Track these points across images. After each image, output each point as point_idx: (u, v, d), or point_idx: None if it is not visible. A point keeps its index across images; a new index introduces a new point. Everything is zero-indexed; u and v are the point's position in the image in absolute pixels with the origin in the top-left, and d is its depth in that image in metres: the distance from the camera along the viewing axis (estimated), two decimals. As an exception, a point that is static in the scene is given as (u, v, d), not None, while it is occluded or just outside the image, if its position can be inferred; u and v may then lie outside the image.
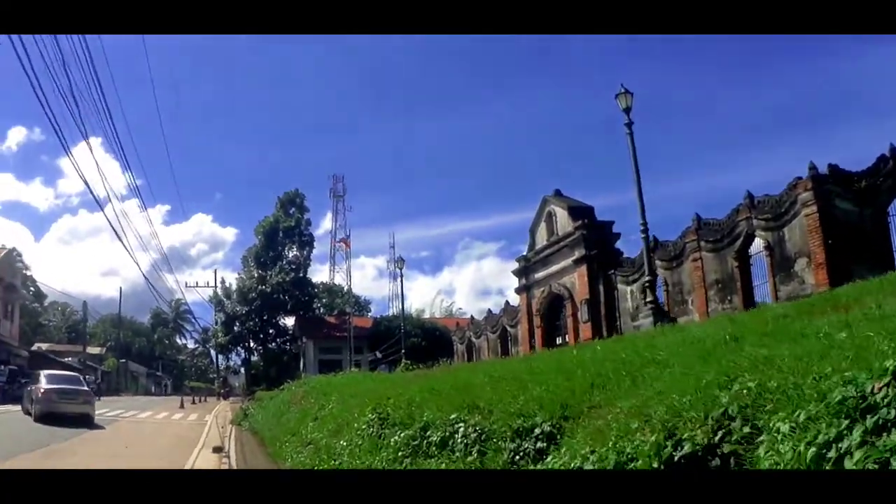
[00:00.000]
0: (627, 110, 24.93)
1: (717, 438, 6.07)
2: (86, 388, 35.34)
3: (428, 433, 11.13)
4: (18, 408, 34.47)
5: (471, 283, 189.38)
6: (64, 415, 30.01)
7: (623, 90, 24.85)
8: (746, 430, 5.86)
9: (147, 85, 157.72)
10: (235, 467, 18.62)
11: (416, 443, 11.23)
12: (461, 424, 10.51)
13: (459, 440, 10.33)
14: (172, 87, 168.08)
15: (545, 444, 8.97)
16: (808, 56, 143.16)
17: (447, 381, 14.89)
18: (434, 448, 10.71)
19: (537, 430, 9.26)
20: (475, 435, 10.13)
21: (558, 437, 8.97)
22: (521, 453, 9.19)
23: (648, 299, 24.49)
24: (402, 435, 11.63)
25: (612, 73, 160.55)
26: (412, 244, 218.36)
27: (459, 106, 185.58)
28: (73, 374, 38.90)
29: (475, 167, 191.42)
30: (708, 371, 7.97)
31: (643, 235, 24.55)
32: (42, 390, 31.04)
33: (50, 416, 29.46)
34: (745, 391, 6.35)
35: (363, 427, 13.59)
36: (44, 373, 34.84)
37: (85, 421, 30.87)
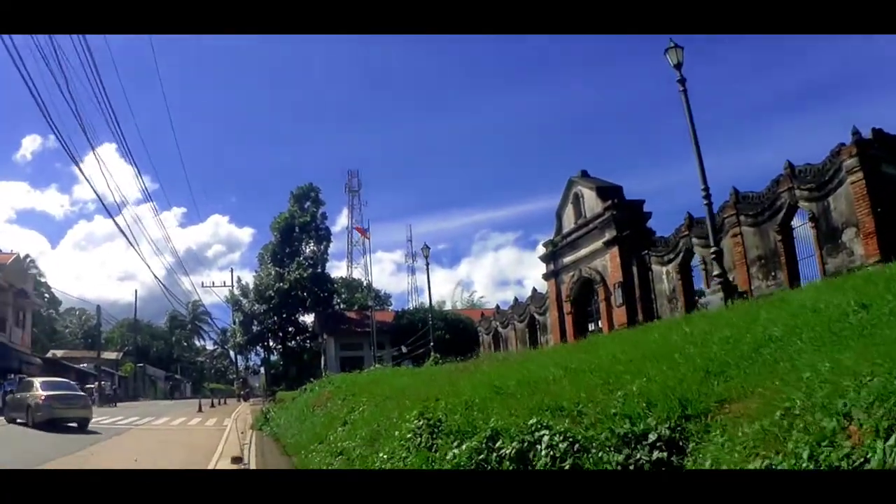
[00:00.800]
0: (678, 66, 22.51)
1: None
2: (82, 392, 36.86)
3: (498, 444, 8.45)
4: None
5: (489, 274, 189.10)
6: (65, 419, 31.33)
7: (672, 44, 22.37)
8: None
9: (159, 89, 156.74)
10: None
11: (481, 457, 8.43)
12: (544, 432, 7.92)
13: (544, 452, 7.72)
14: (184, 89, 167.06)
15: (665, 454, 6.89)
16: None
17: (509, 377, 12.29)
18: (508, 463, 8.08)
19: (652, 436, 7.10)
20: (565, 445, 7.59)
21: (682, 442, 6.99)
22: (633, 466, 7.00)
23: (716, 272, 22.07)
24: (463, 447, 8.98)
25: (635, 55, 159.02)
26: (429, 237, 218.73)
27: (471, 98, 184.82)
28: (65, 380, 38.58)
29: (489, 158, 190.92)
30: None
31: (706, 202, 22.02)
32: (42, 397, 31.39)
33: (51, 423, 30.13)
34: None
35: (407, 436, 10.97)
36: (38, 380, 35.40)
37: (82, 425, 31.98)
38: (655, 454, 6.90)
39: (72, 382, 38.49)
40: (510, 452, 8.12)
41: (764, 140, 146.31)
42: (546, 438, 7.84)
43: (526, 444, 8.04)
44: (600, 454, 7.30)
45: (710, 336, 10.31)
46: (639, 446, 7.09)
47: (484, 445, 8.61)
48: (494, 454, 8.38)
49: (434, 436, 10.29)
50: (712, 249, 22.34)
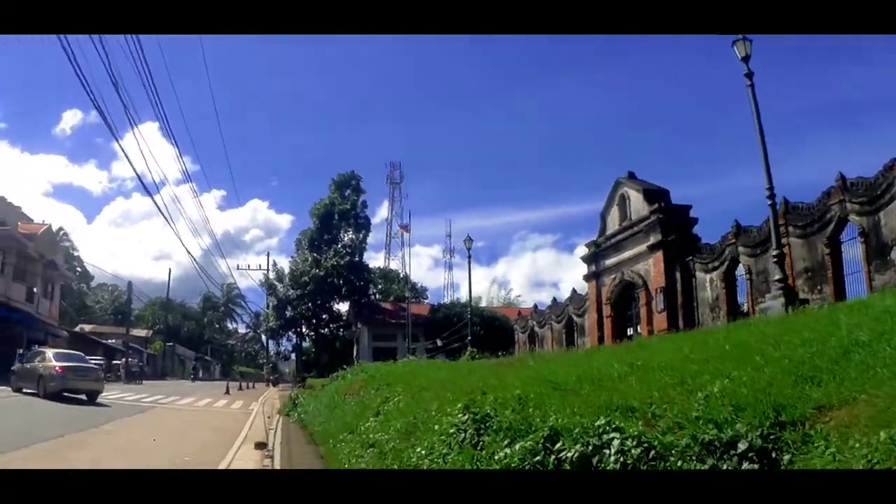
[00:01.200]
0: (746, 59, 21.51)
1: None
2: (95, 366, 37.26)
3: (558, 445, 7.44)
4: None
5: (526, 274, 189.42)
6: (77, 391, 32.20)
7: (741, 36, 21.33)
8: None
9: (204, 72, 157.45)
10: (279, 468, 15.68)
11: (537, 458, 7.42)
12: (614, 435, 6.91)
13: (612, 458, 6.73)
14: (229, 74, 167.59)
15: (756, 465, 6.02)
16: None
17: (567, 372, 11.28)
18: (569, 468, 7.08)
19: (742, 445, 6.14)
20: (638, 451, 6.60)
21: (776, 453, 6.05)
22: (720, 478, 6.00)
23: (777, 277, 21.13)
24: (515, 447, 7.95)
25: (676, 59, 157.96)
26: (467, 234, 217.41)
27: (514, 97, 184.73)
28: (78, 353, 38.53)
29: (532, 159, 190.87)
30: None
31: (770, 202, 21.11)
32: (57, 368, 31.75)
33: (63, 393, 31.27)
34: None
35: (450, 431, 9.94)
36: (50, 351, 35.72)
37: (92, 397, 32.71)
38: (745, 465, 5.95)
39: (83, 355, 38.70)
40: (572, 456, 7.08)
41: (801, 154, 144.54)
42: (616, 442, 6.82)
43: (591, 448, 7.01)
44: (680, 463, 6.33)
45: (788, 339, 9.32)
46: (725, 456, 6.14)
47: (541, 446, 7.57)
48: (553, 457, 7.36)
49: (481, 432, 9.24)
50: (774, 252, 21.40)
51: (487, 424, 9.29)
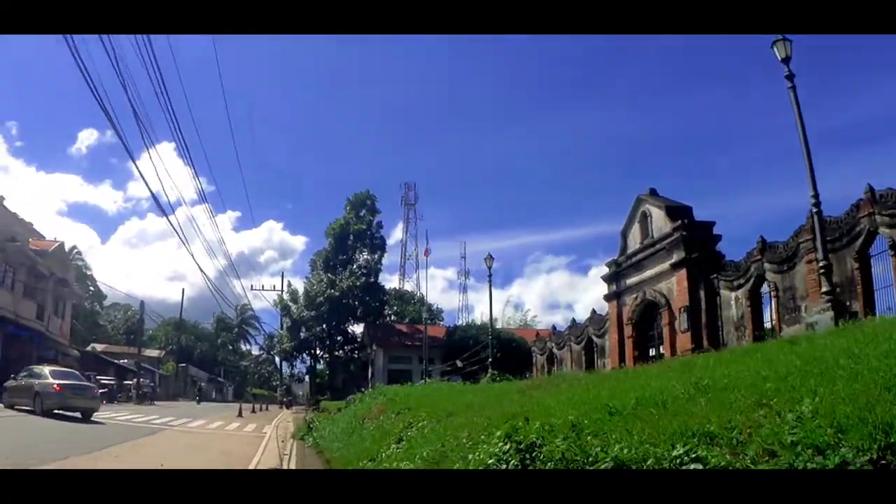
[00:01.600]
0: (786, 60, 20.81)
1: None
2: (91, 384, 38.05)
3: (627, 480, 6.55)
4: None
5: (540, 295, 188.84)
6: (74, 409, 32.00)
7: (780, 37, 20.57)
8: None
9: (220, 93, 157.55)
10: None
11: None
12: (696, 466, 5.99)
13: (698, 493, 5.85)
14: (245, 96, 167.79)
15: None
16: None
17: (621, 395, 10.19)
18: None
19: None
20: (728, 484, 5.72)
21: None
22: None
23: (824, 290, 20.50)
24: (573, 481, 7.03)
25: (689, 83, 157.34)
26: (482, 256, 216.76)
27: (530, 119, 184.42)
28: (74, 371, 39.10)
29: (545, 181, 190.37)
30: None
31: (815, 210, 20.52)
32: (55, 385, 31.89)
33: (60, 410, 31.30)
34: None
35: (488, 461, 8.87)
36: (48, 369, 35.56)
37: (87, 415, 32.32)
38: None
39: (78, 373, 38.96)
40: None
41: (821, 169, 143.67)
42: (701, 474, 5.91)
43: (670, 483, 6.09)
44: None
45: (864, 350, 8.51)
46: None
47: (606, 481, 6.64)
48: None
49: (527, 463, 8.14)
50: (821, 263, 20.82)
51: (534, 455, 8.14)
